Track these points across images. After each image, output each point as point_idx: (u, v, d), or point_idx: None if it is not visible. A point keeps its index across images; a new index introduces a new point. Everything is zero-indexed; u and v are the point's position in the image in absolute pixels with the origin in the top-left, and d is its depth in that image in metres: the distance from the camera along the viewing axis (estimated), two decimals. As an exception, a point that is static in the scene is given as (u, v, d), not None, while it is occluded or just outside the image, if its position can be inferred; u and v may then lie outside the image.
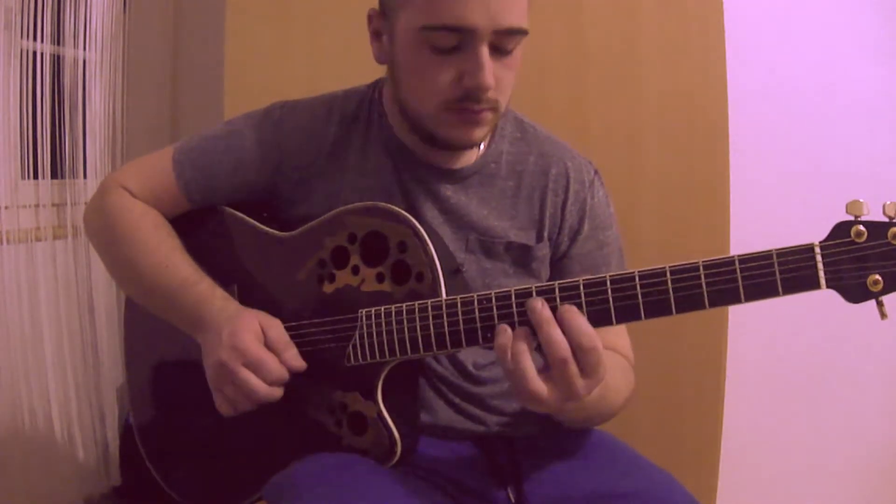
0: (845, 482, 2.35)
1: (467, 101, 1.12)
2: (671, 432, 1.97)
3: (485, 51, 1.08)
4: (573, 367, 0.95)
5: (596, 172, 1.34)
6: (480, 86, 1.09)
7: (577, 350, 0.95)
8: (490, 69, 1.09)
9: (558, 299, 0.99)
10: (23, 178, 2.37)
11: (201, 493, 1.34)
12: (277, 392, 1.13)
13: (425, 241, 1.10)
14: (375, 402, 1.12)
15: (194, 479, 1.34)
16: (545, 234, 1.29)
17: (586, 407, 1.07)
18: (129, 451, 2.59)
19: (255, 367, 1.10)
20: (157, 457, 1.39)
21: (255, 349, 1.11)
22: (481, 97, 1.11)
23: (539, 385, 0.96)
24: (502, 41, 1.09)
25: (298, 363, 1.14)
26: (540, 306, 0.97)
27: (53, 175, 2.51)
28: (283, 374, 1.13)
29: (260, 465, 1.21)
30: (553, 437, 1.29)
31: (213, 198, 1.32)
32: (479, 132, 1.17)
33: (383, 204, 1.15)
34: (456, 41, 1.08)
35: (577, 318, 0.96)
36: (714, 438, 1.96)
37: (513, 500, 1.20)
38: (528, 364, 0.96)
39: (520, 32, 1.10)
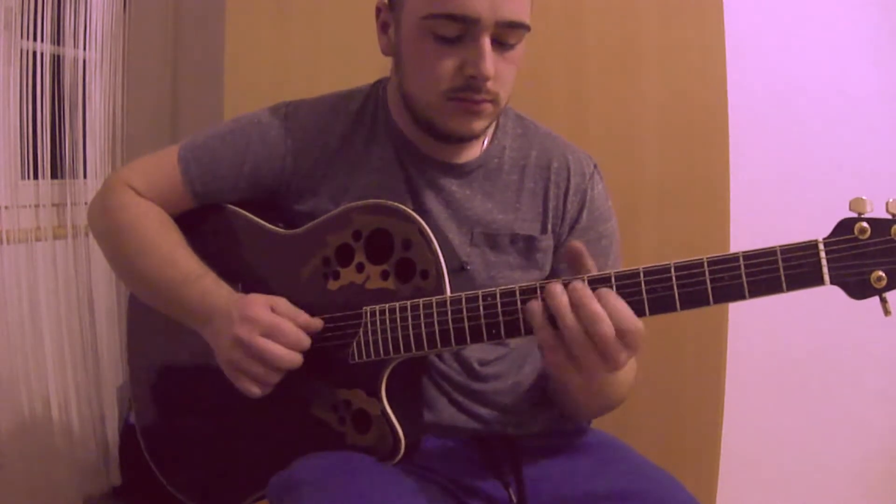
0: (845, 482, 2.35)
1: (468, 91, 1.14)
2: (671, 432, 1.97)
3: (486, 41, 1.10)
4: (616, 343, 0.94)
5: (595, 166, 1.36)
6: (481, 74, 1.11)
7: (622, 334, 0.94)
8: (491, 59, 1.11)
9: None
10: (23, 178, 2.37)
11: (203, 491, 1.34)
12: (298, 358, 1.13)
13: (430, 238, 1.10)
14: (379, 399, 1.12)
15: (196, 478, 1.34)
16: (549, 226, 1.30)
17: (615, 381, 1.11)
18: (129, 451, 2.59)
19: (273, 333, 1.11)
20: (159, 455, 1.40)
21: (267, 316, 1.12)
22: (482, 87, 1.13)
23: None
24: (504, 34, 1.11)
25: (314, 323, 1.15)
26: (582, 285, 0.96)
27: (53, 175, 2.51)
28: (301, 336, 1.13)
29: (262, 463, 1.21)
30: (554, 436, 1.29)
31: (218, 195, 1.32)
32: (479, 124, 1.19)
33: (388, 202, 1.16)
34: (458, 31, 1.10)
35: (620, 302, 0.95)
36: (714, 438, 1.96)
37: (514, 500, 1.21)
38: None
39: (521, 26, 1.12)
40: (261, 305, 1.13)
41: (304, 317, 1.15)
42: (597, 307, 0.94)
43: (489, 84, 1.13)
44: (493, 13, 1.08)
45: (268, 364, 1.12)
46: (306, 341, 1.13)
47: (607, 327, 0.93)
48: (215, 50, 2.10)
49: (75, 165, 2.55)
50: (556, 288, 0.97)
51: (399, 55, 1.20)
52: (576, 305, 0.95)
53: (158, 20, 2.90)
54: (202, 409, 1.30)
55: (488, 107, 1.17)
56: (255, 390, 1.14)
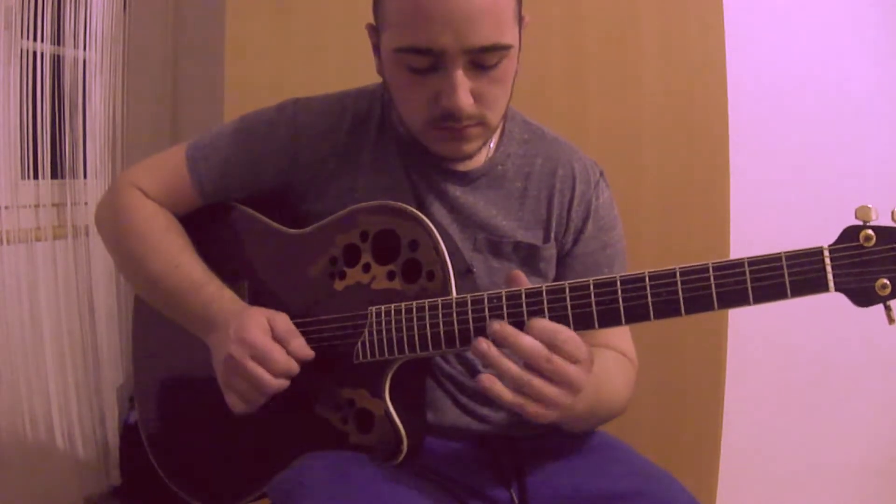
0: (845, 482, 2.36)
1: (448, 120, 1.12)
2: (671, 432, 1.97)
3: (457, 71, 1.08)
4: (557, 359, 0.97)
5: (601, 174, 1.36)
6: (454, 106, 1.09)
7: (553, 348, 0.97)
8: (465, 89, 1.09)
9: (568, 299, 1.00)
10: (23, 178, 2.37)
11: (206, 488, 1.34)
12: (285, 383, 1.13)
13: (437, 239, 1.11)
14: (383, 399, 1.12)
15: (199, 475, 1.35)
16: (552, 235, 1.30)
17: (591, 403, 1.09)
18: (129, 450, 2.59)
19: (262, 359, 1.11)
20: (161, 452, 1.40)
21: (261, 341, 1.11)
22: (461, 116, 1.11)
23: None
24: (479, 58, 1.08)
25: (305, 352, 1.15)
26: (495, 334, 0.99)
27: (53, 175, 2.51)
28: (290, 364, 1.13)
29: (265, 461, 1.21)
30: (555, 437, 1.29)
31: (227, 194, 1.33)
32: (468, 146, 1.18)
33: (396, 203, 1.16)
34: (429, 63, 1.08)
35: (542, 322, 0.98)
36: (714, 438, 1.97)
37: (515, 501, 1.20)
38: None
39: (495, 48, 1.08)
40: (257, 327, 1.13)
41: (297, 342, 1.15)
42: (522, 339, 0.97)
43: (469, 109, 1.11)
44: (458, 43, 1.05)
45: (254, 388, 1.13)
46: (295, 369, 1.14)
47: (536, 350, 0.97)
48: (215, 50, 2.10)
49: (75, 165, 2.55)
50: (481, 343, 1.00)
51: (384, 80, 1.20)
52: (504, 345, 0.98)
53: (158, 20, 2.90)
54: (206, 406, 1.30)
55: (475, 130, 1.15)
56: (240, 406, 1.16)
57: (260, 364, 1.11)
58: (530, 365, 0.97)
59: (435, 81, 1.10)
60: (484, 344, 0.99)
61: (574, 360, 0.98)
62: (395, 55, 1.10)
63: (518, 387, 0.97)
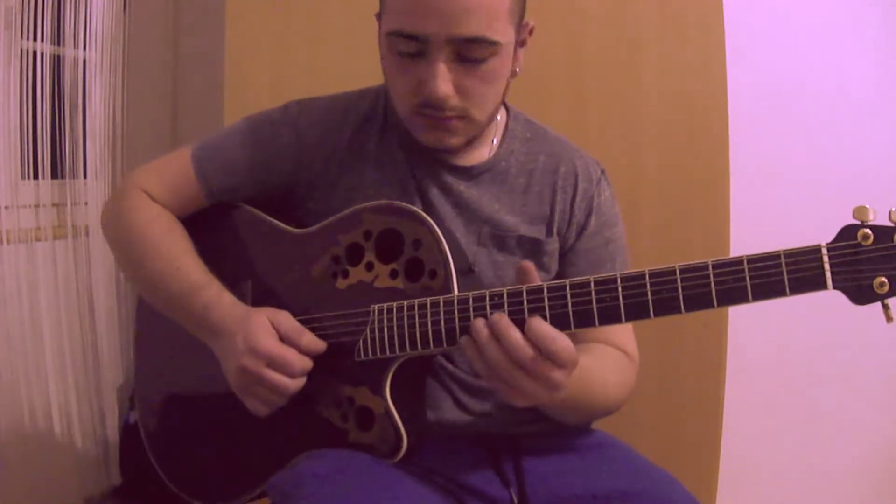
0: (845, 482, 2.36)
1: (428, 108, 1.14)
2: (671, 432, 1.97)
3: (439, 59, 1.10)
4: (542, 362, 0.97)
5: (603, 172, 1.37)
6: (431, 94, 1.11)
7: (548, 353, 0.97)
8: (444, 78, 1.11)
9: (569, 297, 1.00)
10: (23, 178, 2.36)
11: (205, 487, 1.34)
12: (304, 380, 1.15)
13: (440, 238, 1.11)
14: (384, 397, 1.13)
15: (198, 474, 1.35)
16: (555, 230, 1.30)
17: (573, 396, 1.09)
18: (130, 450, 2.59)
19: (279, 366, 1.12)
20: (161, 451, 1.40)
21: (274, 348, 1.12)
22: (442, 105, 1.13)
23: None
24: (464, 50, 1.10)
25: (317, 345, 1.16)
26: (491, 325, 1.01)
27: (53, 175, 2.51)
28: (305, 363, 1.14)
29: (264, 459, 1.22)
30: (555, 437, 1.29)
31: (233, 194, 1.34)
32: (451, 138, 1.20)
33: (400, 203, 1.17)
34: (416, 48, 1.10)
35: (543, 326, 0.99)
36: (714, 438, 1.97)
37: (515, 500, 1.21)
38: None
39: (480, 41, 1.10)
40: (265, 333, 1.14)
41: (306, 337, 1.16)
42: (514, 335, 0.98)
43: (451, 101, 1.13)
44: (444, 30, 1.07)
45: (275, 392, 1.14)
46: (310, 365, 1.15)
47: (525, 352, 0.97)
48: (215, 50, 2.10)
49: (75, 165, 2.55)
50: (479, 323, 1.01)
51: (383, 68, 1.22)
52: (497, 336, 0.99)
53: (158, 20, 2.90)
54: (205, 405, 1.31)
55: (457, 123, 1.17)
56: (263, 411, 1.17)
57: (277, 370, 1.12)
58: (513, 359, 0.98)
59: (420, 68, 1.12)
60: (480, 322, 1.01)
61: (561, 366, 0.98)
62: (388, 39, 1.13)
63: (490, 367, 0.99)
